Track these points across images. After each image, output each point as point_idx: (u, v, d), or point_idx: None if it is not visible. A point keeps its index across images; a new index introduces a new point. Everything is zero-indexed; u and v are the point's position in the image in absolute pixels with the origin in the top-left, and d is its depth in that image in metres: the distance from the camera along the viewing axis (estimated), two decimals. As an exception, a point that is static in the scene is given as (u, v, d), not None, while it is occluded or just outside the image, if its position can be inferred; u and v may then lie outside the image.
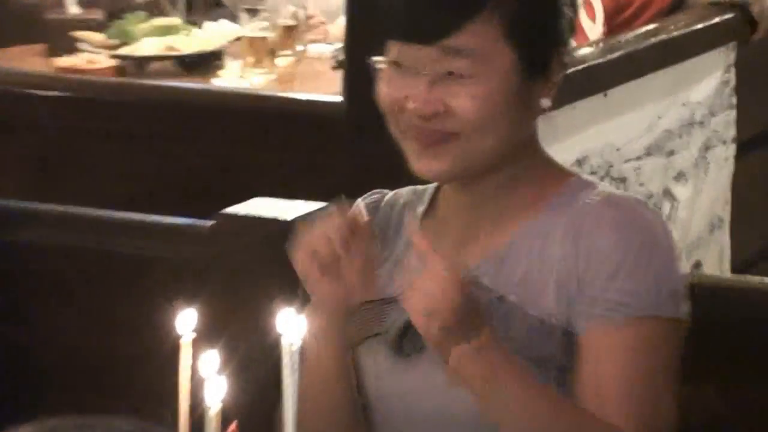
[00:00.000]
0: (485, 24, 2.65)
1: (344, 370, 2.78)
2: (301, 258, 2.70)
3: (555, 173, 2.89)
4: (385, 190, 2.95)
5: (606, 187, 2.90)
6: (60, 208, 3.74)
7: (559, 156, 4.90)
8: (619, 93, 5.20)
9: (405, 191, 2.94)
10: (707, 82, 5.74)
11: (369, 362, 2.80)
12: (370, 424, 2.82)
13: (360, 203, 2.93)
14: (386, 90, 2.72)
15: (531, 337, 2.69)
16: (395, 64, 2.70)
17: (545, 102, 2.78)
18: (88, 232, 3.61)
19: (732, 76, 5.82)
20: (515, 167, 2.80)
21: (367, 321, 2.81)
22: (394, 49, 2.71)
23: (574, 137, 4.90)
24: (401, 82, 2.69)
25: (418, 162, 2.72)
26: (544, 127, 2.89)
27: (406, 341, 2.72)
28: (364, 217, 2.77)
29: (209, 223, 3.37)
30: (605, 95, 5.09)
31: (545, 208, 2.79)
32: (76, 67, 5.65)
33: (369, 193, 2.98)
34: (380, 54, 2.74)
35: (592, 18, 5.37)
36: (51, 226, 3.66)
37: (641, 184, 5.38)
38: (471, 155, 2.71)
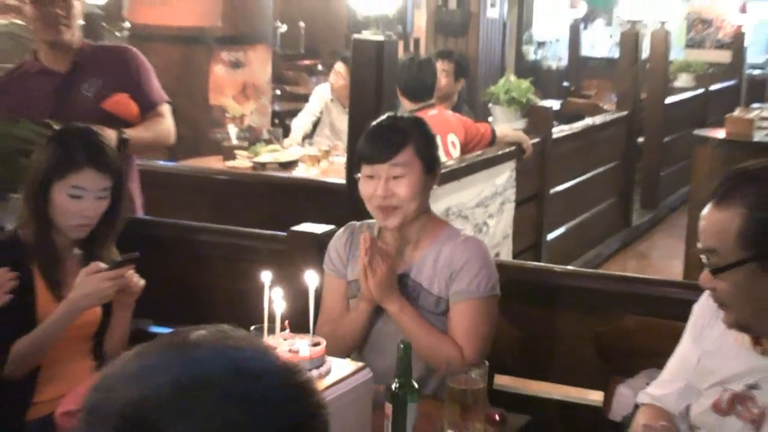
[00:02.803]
0: (407, 151, 2.72)
1: (367, 324, 2.81)
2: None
3: (439, 222, 2.89)
4: (355, 222, 2.93)
5: (466, 232, 2.84)
6: (221, 226, 3.68)
7: (438, 206, 4.81)
8: (465, 180, 5.13)
9: (363, 223, 2.91)
10: (503, 176, 5.68)
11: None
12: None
13: (346, 230, 2.93)
14: (364, 188, 2.75)
15: (433, 304, 2.74)
16: (368, 176, 2.73)
17: (435, 187, 2.85)
18: (230, 237, 3.55)
19: (514, 173, 5.76)
20: (422, 219, 2.79)
21: (353, 290, 2.83)
22: (366, 167, 2.74)
23: (444, 199, 4.86)
24: (371, 183, 2.72)
25: (382, 221, 2.76)
26: (434, 196, 2.92)
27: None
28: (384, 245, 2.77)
29: (285, 234, 3.33)
30: (459, 181, 5.05)
31: (436, 241, 2.79)
32: (235, 166, 5.60)
33: (346, 224, 2.96)
34: (358, 171, 2.77)
35: (455, 147, 5.32)
36: (215, 234, 3.61)
37: (474, 218, 5.33)
38: (406, 215, 2.73)
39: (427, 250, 2.79)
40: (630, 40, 8.35)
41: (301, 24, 11.65)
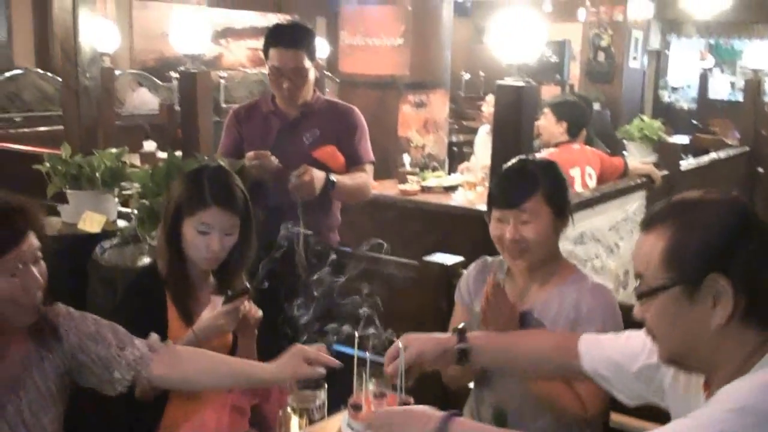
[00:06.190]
0: (536, 198, 2.03)
1: None
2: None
3: (566, 265, 2.13)
4: (488, 257, 2.24)
5: (593, 277, 2.11)
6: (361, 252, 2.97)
7: (574, 231, 3.93)
8: (599, 207, 4.32)
9: (495, 259, 2.23)
10: (634, 203, 4.81)
11: None
12: None
13: (477, 264, 2.24)
14: (494, 230, 2.08)
15: None
16: (498, 219, 2.05)
17: (563, 231, 2.12)
18: (377, 264, 2.84)
19: (644, 200, 4.89)
20: (551, 260, 2.10)
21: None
22: (496, 211, 2.06)
23: (579, 224, 4.02)
24: (501, 226, 2.05)
25: (511, 262, 2.10)
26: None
27: None
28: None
29: (417, 263, 2.60)
30: (593, 208, 4.21)
31: (563, 283, 2.08)
32: (406, 189, 4.95)
33: (480, 258, 2.29)
34: (489, 214, 2.10)
35: (591, 179, 4.53)
36: (366, 260, 2.90)
37: (606, 241, 4.47)
38: (533, 259, 2.06)
39: (553, 290, 2.07)
40: (753, 85, 7.58)
41: (481, 73, 11.43)
